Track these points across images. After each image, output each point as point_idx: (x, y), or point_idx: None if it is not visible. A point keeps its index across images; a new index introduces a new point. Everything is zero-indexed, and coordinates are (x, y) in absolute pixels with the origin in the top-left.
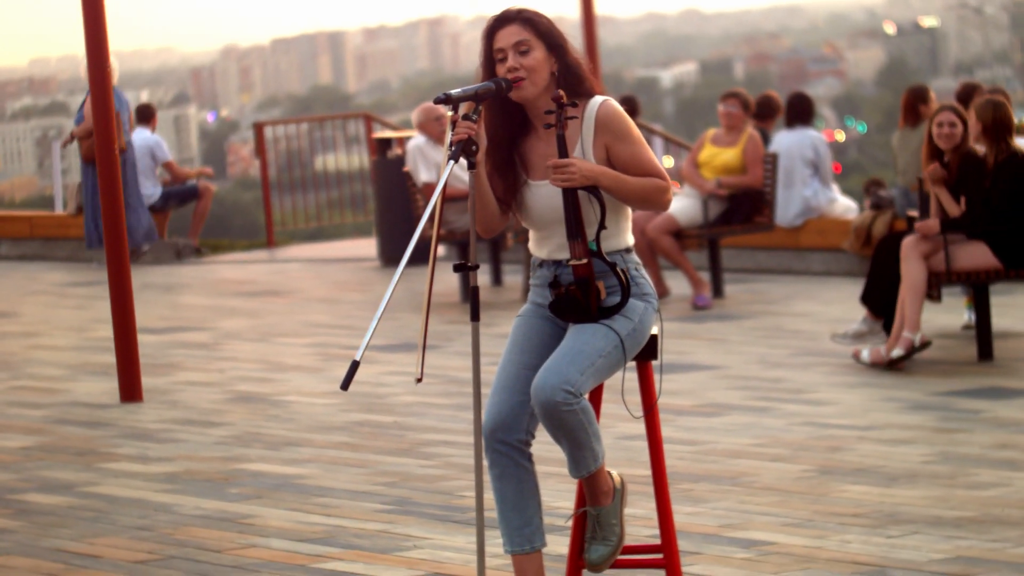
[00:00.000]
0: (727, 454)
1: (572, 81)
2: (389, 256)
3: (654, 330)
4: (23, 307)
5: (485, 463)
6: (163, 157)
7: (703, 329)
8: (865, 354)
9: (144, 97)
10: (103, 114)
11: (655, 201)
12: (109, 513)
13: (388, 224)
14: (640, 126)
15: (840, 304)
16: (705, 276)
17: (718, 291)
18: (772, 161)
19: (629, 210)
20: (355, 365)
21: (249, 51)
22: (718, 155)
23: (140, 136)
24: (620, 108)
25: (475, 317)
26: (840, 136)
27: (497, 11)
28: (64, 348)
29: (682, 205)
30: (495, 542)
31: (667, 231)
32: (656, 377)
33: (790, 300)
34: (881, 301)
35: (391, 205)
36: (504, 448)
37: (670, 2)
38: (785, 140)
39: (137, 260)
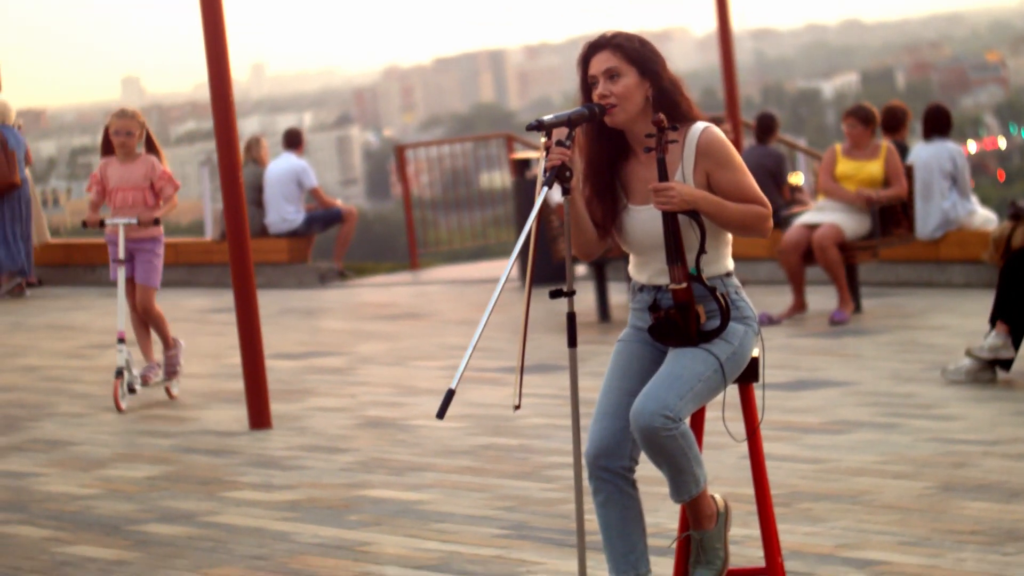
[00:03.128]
0: (850, 472)
1: (667, 106)
2: (527, 276)
3: (755, 352)
4: None
5: (588, 489)
6: (310, 184)
7: (838, 345)
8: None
9: (307, 120)
10: (226, 138)
11: (756, 228)
12: (227, 543)
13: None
14: (781, 141)
15: (978, 317)
16: (830, 290)
17: (856, 306)
18: (908, 173)
19: (729, 235)
20: (451, 393)
21: (411, 71)
22: (862, 168)
23: (286, 161)
24: (722, 134)
25: (572, 343)
26: (1002, 143)
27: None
28: (199, 376)
29: (843, 217)
30: (602, 568)
31: (836, 242)
32: (759, 400)
33: (928, 314)
34: (1015, 315)
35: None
36: (607, 475)
37: (830, 12)
38: (923, 152)
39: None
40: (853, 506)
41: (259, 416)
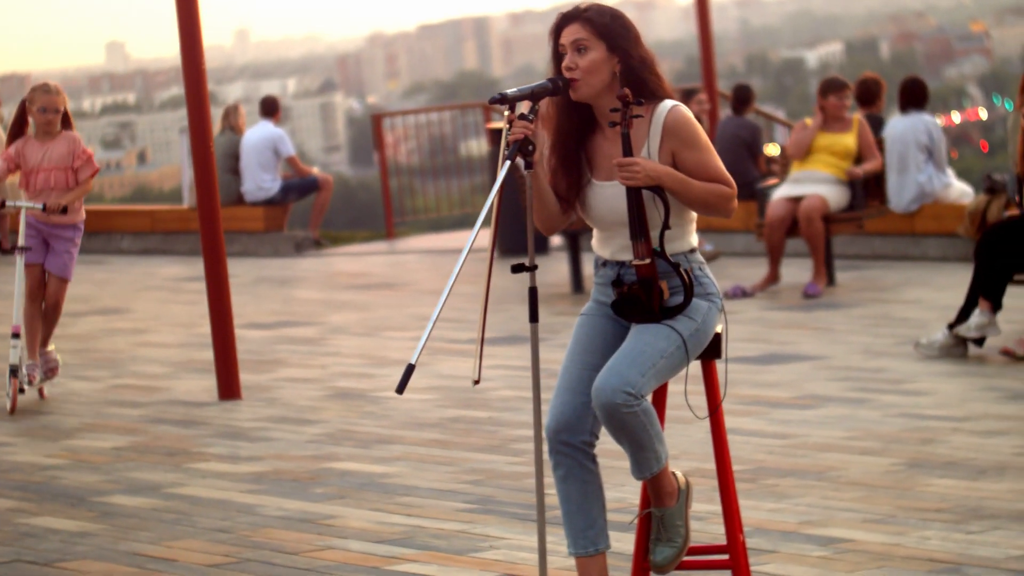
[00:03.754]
0: (817, 447)
1: (635, 83)
2: (505, 247)
3: (718, 329)
4: (136, 303)
5: (548, 464)
6: (286, 152)
7: (810, 318)
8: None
9: (291, 86)
10: (198, 109)
11: (719, 207)
12: (191, 515)
13: (504, 215)
14: (758, 112)
15: (953, 290)
16: (804, 263)
17: (830, 279)
18: (879, 146)
19: (694, 212)
20: (410, 368)
21: (395, 38)
22: (837, 141)
23: (263, 129)
24: (689, 113)
25: (534, 319)
26: (984, 114)
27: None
28: (171, 345)
29: (827, 190)
30: (561, 543)
31: (822, 214)
32: (721, 376)
33: (902, 287)
34: (994, 289)
35: (509, 194)
36: (568, 449)
37: None
38: (899, 125)
39: None
40: (819, 482)
41: (228, 387)
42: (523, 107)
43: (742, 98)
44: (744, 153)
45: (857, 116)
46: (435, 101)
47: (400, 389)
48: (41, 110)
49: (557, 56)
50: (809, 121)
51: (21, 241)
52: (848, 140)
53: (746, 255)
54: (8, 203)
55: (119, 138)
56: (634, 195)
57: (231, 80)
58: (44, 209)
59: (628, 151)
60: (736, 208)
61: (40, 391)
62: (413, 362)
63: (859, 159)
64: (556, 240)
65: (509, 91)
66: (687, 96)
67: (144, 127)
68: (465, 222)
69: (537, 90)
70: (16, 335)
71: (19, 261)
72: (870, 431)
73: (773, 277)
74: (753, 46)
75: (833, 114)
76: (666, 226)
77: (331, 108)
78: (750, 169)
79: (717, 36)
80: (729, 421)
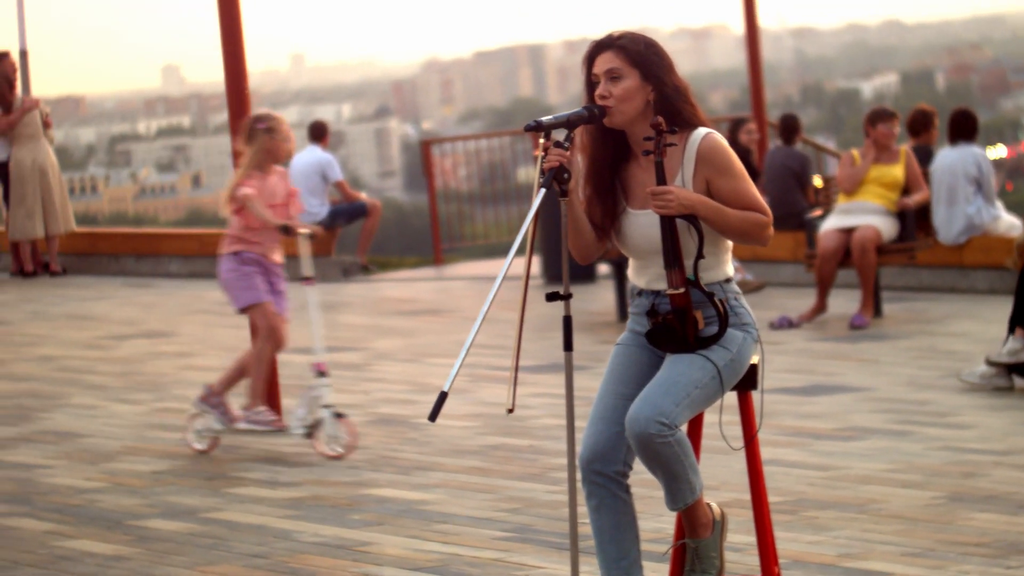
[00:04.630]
0: (858, 480)
1: (669, 111)
2: (552, 274)
3: (754, 359)
4: (182, 326)
5: (581, 495)
6: (335, 177)
7: (856, 350)
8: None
9: (346, 111)
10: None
11: (755, 236)
12: (227, 540)
13: (551, 241)
14: (807, 142)
15: (1000, 324)
16: (853, 294)
17: (877, 310)
18: (926, 177)
19: (729, 242)
20: (443, 396)
21: (451, 64)
22: (886, 172)
23: (311, 154)
24: (723, 141)
25: (568, 347)
26: None
27: (600, 36)
28: (215, 369)
29: (879, 221)
30: (595, 572)
31: (876, 244)
32: (757, 407)
33: (949, 320)
34: None
35: (554, 221)
36: (601, 480)
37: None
38: (948, 157)
39: None
40: (859, 515)
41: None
42: (559, 135)
43: (790, 128)
44: (793, 183)
45: (904, 148)
46: (490, 128)
47: (433, 416)
48: (284, 139)
49: (590, 84)
50: (856, 153)
51: (309, 271)
52: (896, 171)
53: (793, 285)
54: (289, 227)
55: (173, 161)
56: (668, 224)
57: (285, 105)
58: (311, 237)
59: (662, 179)
60: (772, 236)
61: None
62: (446, 389)
63: (906, 190)
64: (603, 268)
65: (544, 119)
66: (736, 126)
67: (199, 150)
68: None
69: (572, 118)
70: (323, 373)
71: (311, 292)
72: (912, 464)
73: (820, 307)
74: (808, 76)
75: (882, 143)
76: (700, 255)
77: (386, 133)
78: (799, 199)
79: (772, 66)
80: (771, 452)
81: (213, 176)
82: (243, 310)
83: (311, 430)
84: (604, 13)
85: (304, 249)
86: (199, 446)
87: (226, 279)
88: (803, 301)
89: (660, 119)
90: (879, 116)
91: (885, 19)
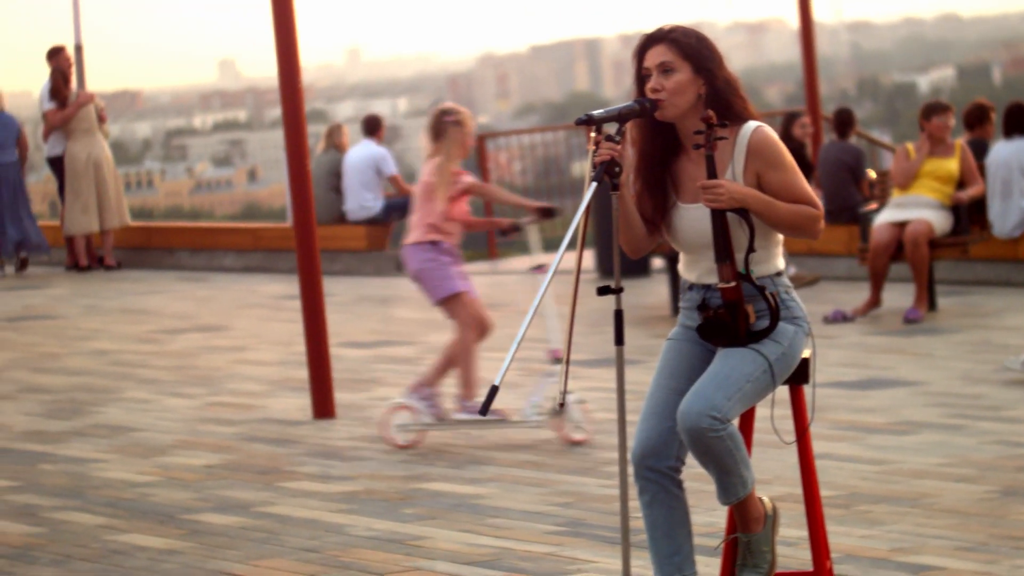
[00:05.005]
0: (912, 474)
1: (720, 104)
2: (606, 268)
3: (806, 353)
4: (236, 320)
5: (633, 490)
6: (389, 171)
7: (910, 343)
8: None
9: (402, 105)
10: (295, 127)
11: (806, 229)
12: (279, 534)
13: (605, 235)
14: (861, 136)
15: None
16: (907, 288)
17: (931, 304)
18: (981, 171)
19: (780, 235)
20: (494, 390)
21: (507, 58)
22: (941, 166)
23: (366, 148)
24: (773, 135)
25: (619, 341)
26: None
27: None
28: (268, 363)
29: (932, 215)
30: (648, 567)
31: (928, 238)
32: (808, 401)
33: (1003, 313)
34: None
35: (607, 216)
36: (654, 475)
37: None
38: (1003, 151)
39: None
40: (912, 509)
41: (323, 405)
42: (610, 129)
43: (844, 122)
44: (847, 177)
45: (959, 141)
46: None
47: (484, 410)
48: (470, 133)
49: (641, 78)
50: (911, 147)
51: (543, 259)
52: (951, 165)
53: (848, 279)
54: (551, 209)
55: (229, 156)
56: (719, 218)
57: (341, 99)
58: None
59: (712, 173)
60: (823, 229)
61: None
62: (497, 383)
63: (961, 184)
64: (656, 262)
65: (596, 112)
66: (790, 120)
67: (254, 145)
68: (573, 243)
69: (624, 111)
70: (559, 360)
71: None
72: (966, 458)
73: (875, 302)
74: (864, 70)
75: (937, 136)
76: (751, 249)
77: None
78: (853, 193)
79: (828, 60)
80: (824, 446)
81: (269, 170)
82: (441, 302)
83: (547, 416)
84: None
85: (534, 237)
86: (402, 441)
87: (421, 269)
88: (857, 295)
89: (711, 113)
90: (933, 110)
91: (942, 13)
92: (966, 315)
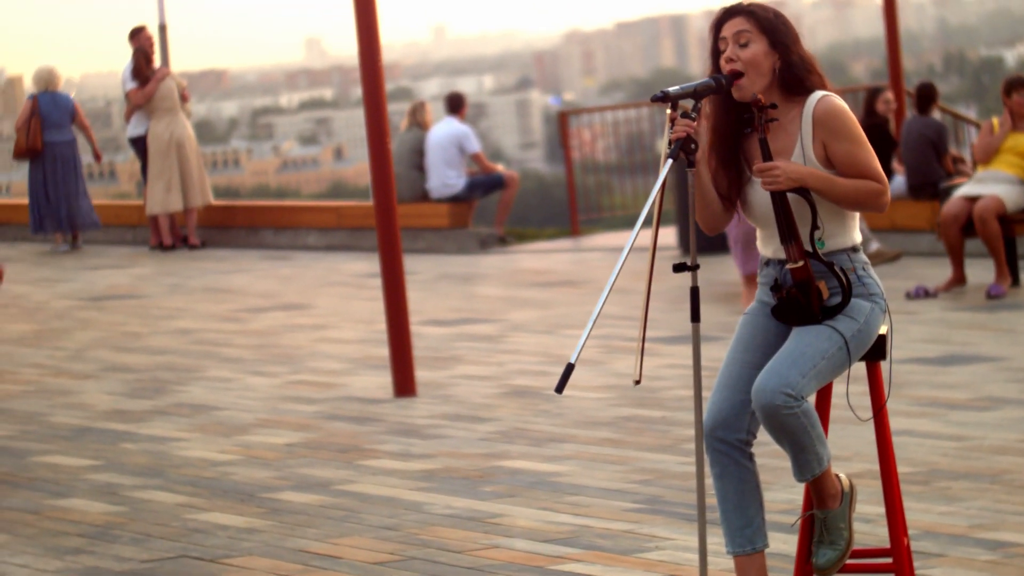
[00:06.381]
0: (992, 450)
1: (792, 79)
2: (687, 244)
3: (883, 329)
4: (319, 299)
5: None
6: (471, 149)
7: (993, 319)
8: None
9: (488, 83)
10: (375, 106)
11: (869, 203)
12: (358, 512)
13: (685, 211)
14: (944, 111)
15: None
16: (990, 264)
17: (1015, 279)
18: None
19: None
20: (570, 367)
21: (592, 35)
22: (1022, 141)
23: (448, 125)
24: (840, 103)
25: (695, 318)
26: None
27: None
28: (350, 341)
29: (1005, 190)
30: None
31: (996, 214)
32: (885, 377)
33: None
34: None
35: (685, 191)
36: (724, 447)
37: None
38: None
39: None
40: (992, 485)
41: (404, 383)
42: (687, 105)
43: (926, 97)
44: (930, 152)
45: None
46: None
47: (559, 388)
48: None
49: (716, 51)
50: (996, 122)
51: None
52: None
53: (931, 255)
54: None
55: (316, 134)
56: (779, 199)
57: (427, 76)
58: None
59: (767, 156)
60: (888, 203)
61: None
62: (573, 361)
63: None
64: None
65: (671, 89)
66: (873, 95)
67: (341, 123)
68: (662, 219)
69: (700, 88)
70: None
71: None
72: None
73: (958, 278)
74: (951, 44)
75: (1018, 112)
76: (815, 226)
77: (527, 105)
78: (936, 169)
79: (914, 35)
80: (904, 422)
81: (356, 148)
82: (749, 277)
83: None
84: None
85: None
86: None
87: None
88: (940, 271)
89: (760, 96)
90: (1014, 85)
91: None
92: None
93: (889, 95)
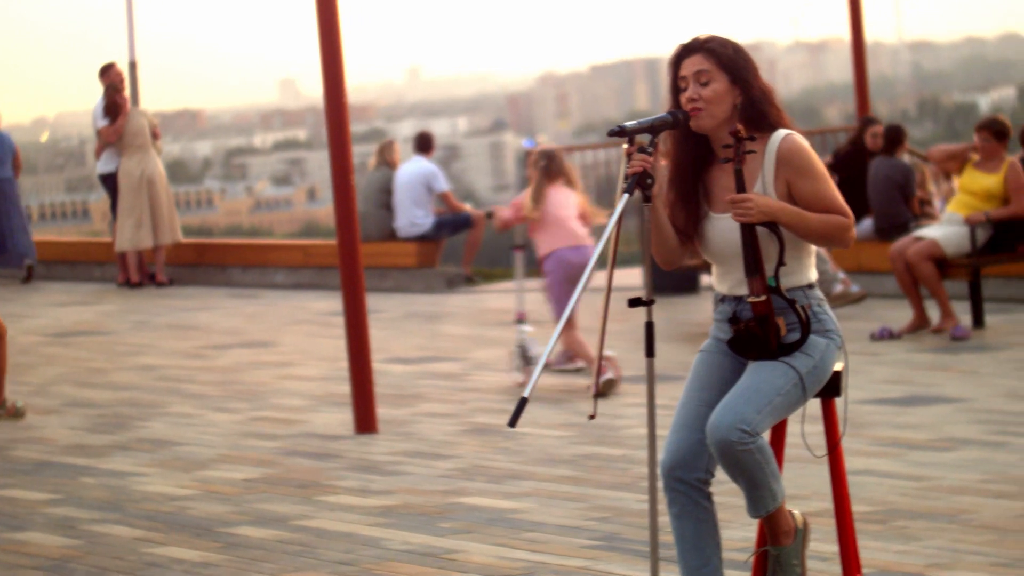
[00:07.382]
0: (951, 490)
1: (755, 115)
2: (654, 285)
3: (838, 366)
4: (284, 336)
5: (663, 502)
6: (439, 188)
7: (956, 360)
8: None
9: (462, 125)
10: (339, 145)
11: (837, 238)
12: (315, 548)
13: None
14: (911, 153)
15: None
16: (966, 305)
17: (979, 321)
18: None
19: (812, 247)
20: (523, 401)
21: (567, 78)
22: (976, 180)
23: (416, 164)
24: (803, 143)
25: (650, 353)
26: None
27: (686, 40)
28: (313, 378)
29: (946, 232)
30: None
31: (929, 257)
32: (840, 415)
33: None
34: None
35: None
36: (683, 487)
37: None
38: None
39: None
40: (950, 525)
41: (365, 420)
42: (643, 140)
43: (894, 139)
44: (896, 195)
45: (1010, 159)
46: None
47: (512, 422)
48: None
49: (676, 88)
50: (976, 155)
51: None
52: (988, 181)
53: (896, 297)
54: None
55: (289, 175)
56: (748, 231)
57: (401, 118)
58: None
59: (742, 187)
60: (854, 238)
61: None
62: (526, 395)
63: (1006, 201)
64: (705, 279)
65: (628, 124)
66: (864, 126)
67: (314, 164)
68: (631, 260)
69: (656, 123)
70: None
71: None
72: (1006, 475)
73: (920, 320)
74: (925, 90)
75: (984, 154)
76: (781, 262)
77: (501, 147)
78: (902, 211)
79: (889, 80)
80: (864, 462)
81: (328, 189)
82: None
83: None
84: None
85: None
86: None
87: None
88: (905, 312)
89: (739, 127)
90: (977, 125)
91: (1003, 32)
92: (1015, 332)
93: (879, 129)
